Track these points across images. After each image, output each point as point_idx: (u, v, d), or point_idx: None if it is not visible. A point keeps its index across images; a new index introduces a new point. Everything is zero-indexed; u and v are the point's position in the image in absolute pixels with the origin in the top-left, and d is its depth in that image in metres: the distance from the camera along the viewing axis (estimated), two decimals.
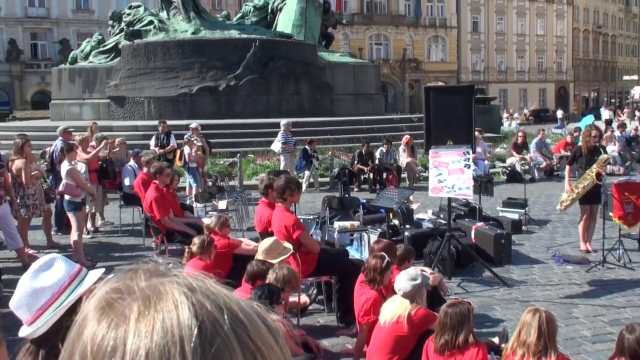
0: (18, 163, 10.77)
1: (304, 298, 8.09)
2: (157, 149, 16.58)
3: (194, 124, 17.35)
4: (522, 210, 12.93)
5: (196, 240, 7.25)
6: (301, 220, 8.54)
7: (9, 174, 10.56)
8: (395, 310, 5.46)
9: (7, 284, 9.03)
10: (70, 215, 10.83)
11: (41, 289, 2.36)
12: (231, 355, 0.74)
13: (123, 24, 28.66)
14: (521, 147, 20.97)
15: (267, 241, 7.04)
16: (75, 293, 2.41)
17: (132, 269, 0.84)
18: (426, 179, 13.44)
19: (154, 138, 17.26)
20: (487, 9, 73.64)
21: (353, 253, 9.58)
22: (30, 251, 10.94)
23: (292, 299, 7.22)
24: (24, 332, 2.38)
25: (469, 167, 9.13)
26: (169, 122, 23.57)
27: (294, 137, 18.68)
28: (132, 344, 0.73)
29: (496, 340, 6.24)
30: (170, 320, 0.74)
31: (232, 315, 0.77)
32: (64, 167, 10.89)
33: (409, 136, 19.76)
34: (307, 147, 18.41)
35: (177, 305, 0.75)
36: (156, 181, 10.16)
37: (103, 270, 2.57)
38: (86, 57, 28.90)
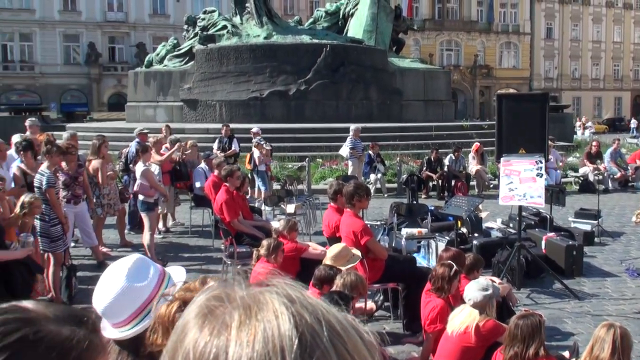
0: (95, 163, 11.12)
1: (370, 304, 8.08)
2: (219, 152, 16.79)
3: (255, 128, 17.56)
4: (595, 222, 12.61)
5: (265, 243, 7.33)
6: (369, 226, 8.54)
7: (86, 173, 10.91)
8: (463, 320, 5.40)
9: (81, 281, 9.34)
10: (143, 215, 11.12)
11: (138, 289, 2.33)
12: None
13: (197, 29, 29.26)
14: (595, 157, 20.45)
15: (336, 247, 7.07)
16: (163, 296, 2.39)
17: (232, 276, 0.87)
18: (496, 187, 13.25)
19: (217, 141, 17.49)
20: (562, 15, 72.07)
21: (420, 260, 9.53)
22: (105, 249, 11.26)
23: (359, 305, 7.22)
24: (112, 334, 2.31)
25: (541, 176, 8.97)
26: (239, 126, 24.03)
27: (362, 142, 18.70)
28: (234, 352, 0.74)
29: (567, 354, 6.10)
30: (272, 330, 0.75)
31: (330, 327, 0.78)
32: (139, 168, 11.19)
33: (479, 143, 19.51)
34: (370, 151, 18.41)
35: (278, 315, 0.77)
36: (227, 184, 10.33)
37: (184, 271, 2.58)
38: (161, 61, 29.60)
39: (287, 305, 0.78)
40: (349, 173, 17.60)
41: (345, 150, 18.35)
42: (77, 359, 1.07)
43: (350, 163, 18.34)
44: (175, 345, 0.80)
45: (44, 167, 9.18)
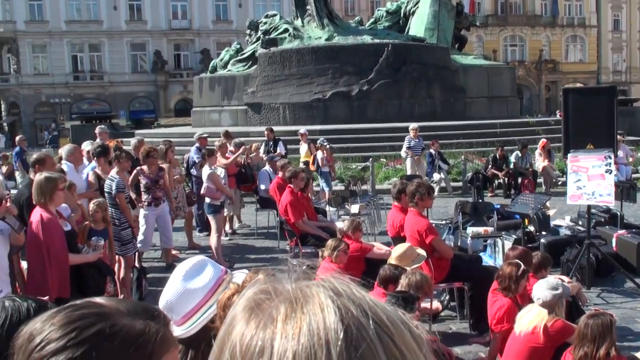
0: (162, 167, 11.38)
1: (436, 304, 8.02)
2: (264, 155, 16.60)
3: (302, 129, 17.56)
4: None
5: (329, 243, 7.37)
6: (434, 225, 8.49)
7: None
8: (531, 320, 5.31)
9: (151, 283, 9.56)
10: (210, 217, 11.32)
11: (193, 291, 2.39)
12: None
13: (260, 33, 29.55)
14: None
15: (402, 247, 7.05)
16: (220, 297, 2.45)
17: (279, 271, 0.88)
18: (564, 184, 12.97)
19: (263, 145, 17.39)
20: (630, 6, 69.85)
21: (486, 259, 9.41)
22: (174, 252, 11.51)
23: (424, 305, 7.18)
24: (174, 332, 2.40)
25: (610, 173, 8.74)
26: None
27: (423, 141, 18.56)
28: (280, 345, 0.75)
29: (639, 355, 5.93)
30: (317, 323, 0.75)
31: (377, 321, 0.77)
32: (205, 171, 11.41)
33: (545, 139, 19.13)
34: (431, 150, 18.26)
35: (324, 308, 0.77)
36: (291, 185, 10.41)
37: (247, 272, 2.62)
38: (225, 66, 30.01)
39: (333, 298, 0.78)
40: (408, 172, 17.50)
41: (402, 149, 18.32)
42: (151, 352, 1.11)
43: (408, 162, 18.24)
44: (223, 338, 0.82)
45: (113, 172, 9.45)
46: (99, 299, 1.19)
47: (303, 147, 17.36)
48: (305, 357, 0.73)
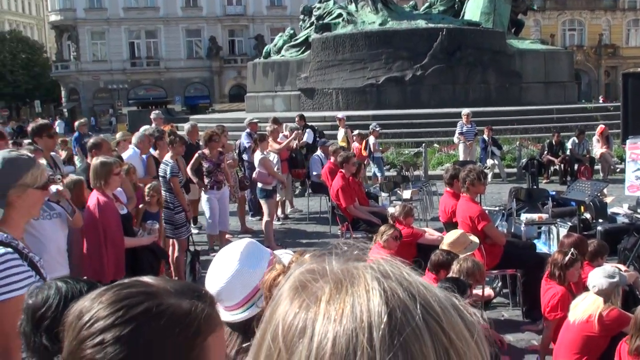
0: (222, 151, 11.52)
1: (488, 291, 7.94)
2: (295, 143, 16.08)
3: (340, 114, 17.42)
4: None
5: (382, 229, 7.36)
6: (486, 211, 8.39)
7: None
8: (586, 308, 5.21)
9: (204, 266, 9.70)
10: (262, 202, 11.42)
11: (250, 275, 2.36)
12: (421, 346, 0.71)
13: (313, 18, 29.55)
14: None
15: (454, 233, 6.98)
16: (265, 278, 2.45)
17: (329, 250, 0.86)
18: (622, 171, 12.65)
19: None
20: None
21: (540, 247, 9.26)
22: (227, 235, 11.63)
23: (476, 291, 7.12)
24: (224, 317, 2.30)
25: None
26: (356, 113, 24.16)
27: (476, 126, 18.34)
28: (321, 326, 0.73)
29: None
30: (360, 305, 0.73)
31: (425, 305, 0.74)
32: (257, 156, 11.49)
33: (603, 126, 18.67)
34: (484, 135, 18.03)
35: (369, 290, 0.74)
36: (343, 170, 10.41)
37: (291, 253, 2.61)
38: (279, 51, 30.12)
39: (379, 280, 0.76)
40: (460, 158, 17.33)
41: (455, 135, 18.15)
42: (196, 331, 1.12)
43: (461, 148, 18.05)
44: (269, 317, 0.81)
45: (167, 157, 9.60)
46: (146, 278, 1.21)
47: (340, 133, 17.23)
48: (345, 340, 0.71)
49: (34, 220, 5.02)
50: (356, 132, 16.36)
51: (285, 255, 2.52)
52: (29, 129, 7.57)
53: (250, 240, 2.58)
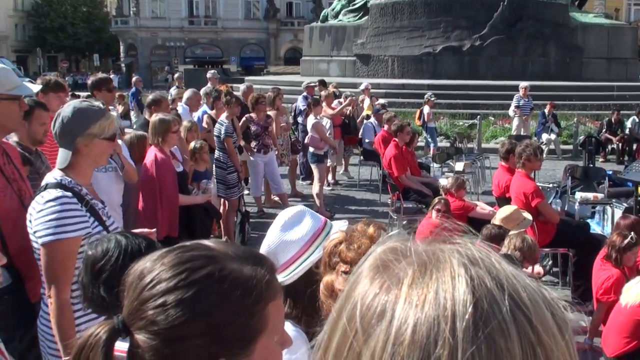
0: (270, 115, 11.55)
1: (538, 268, 7.85)
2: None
3: (364, 84, 16.97)
4: None
5: (434, 201, 7.33)
6: (540, 188, 8.27)
7: None
8: (639, 292, 5.13)
9: (253, 227, 9.82)
10: (313, 166, 11.45)
11: (290, 241, 2.38)
12: (506, 341, 0.67)
13: None
14: None
15: (508, 209, 6.90)
16: (322, 247, 2.42)
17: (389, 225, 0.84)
18: None
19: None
20: None
21: (594, 227, 9.10)
22: (276, 198, 11.72)
23: (525, 270, 7.06)
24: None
25: None
26: (411, 81, 23.94)
27: (533, 101, 17.99)
28: (402, 310, 0.69)
29: None
30: (445, 292, 0.69)
31: (514, 297, 0.70)
32: (310, 120, 11.50)
33: None
34: (545, 110, 17.67)
35: (455, 276, 0.70)
36: (396, 139, 10.36)
37: (347, 222, 2.62)
38: (336, 16, 29.89)
39: (467, 266, 0.71)
40: (513, 132, 17.07)
41: (510, 108, 17.84)
42: (257, 297, 1.13)
43: (515, 122, 17.76)
44: (346, 295, 0.77)
45: (223, 117, 9.68)
46: (207, 242, 1.22)
47: (366, 101, 16.90)
48: (427, 327, 0.67)
49: None
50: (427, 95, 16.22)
51: (342, 224, 2.54)
52: (89, 82, 7.69)
53: (302, 207, 2.61)
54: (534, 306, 0.70)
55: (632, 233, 5.99)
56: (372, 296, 0.73)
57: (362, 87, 16.77)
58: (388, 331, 0.69)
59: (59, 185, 3.14)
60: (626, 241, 5.80)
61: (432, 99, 16.01)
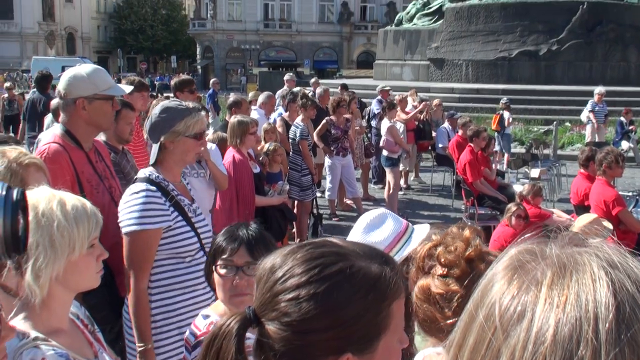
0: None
1: None
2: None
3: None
4: None
5: (510, 207, 7.26)
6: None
7: None
8: None
9: (326, 230, 9.89)
10: (387, 170, 11.46)
11: (373, 243, 2.35)
12: None
13: None
14: None
15: (587, 217, 6.77)
16: (404, 250, 2.44)
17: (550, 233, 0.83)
18: None
19: None
20: None
21: None
22: (348, 201, 11.77)
23: None
24: None
25: None
26: (485, 86, 23.66)
27: (612, 107, 17.51)
28: (542, 311, 0.71)
29: None
30: (586, 294, 0.70)
31: None
32: (384, 124, 11.53)
33: None
34: (622, 118, 17.18)
35: (595, 280, 0.71)
36: (472, 144, 10.28)
37: (428, 226, 2.63)
38: (411, 20, 29.80)
39: (607, 269, 0.73)
40: (587, 139, 16.67)
41: (584, 114, 17.38)
42: (384, 295, 1.18)
43: (588, 128, 17.32)
44: (480, 296, 0.79)
45: (298, 119, 9.79)
46: (335, 239, 1.27)
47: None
48: (569, 328, 0.69)
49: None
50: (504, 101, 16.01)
51: (424, 227, 2.56)
52: (172, 83, 7.92)
53: (384, 210, 2.64)
54: None
55: None
56: (510, 297, 0.75)
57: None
58: (529, 331, 0.71)
59: (147, 179, 3.30)
60: None
61: (508, 103, 15.82)
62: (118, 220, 3.25)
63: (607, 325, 0.68)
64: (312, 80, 14.66)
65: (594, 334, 0.68)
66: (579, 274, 0.73)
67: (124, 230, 3.20)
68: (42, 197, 1.85)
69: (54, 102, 7.39)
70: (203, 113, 3.65)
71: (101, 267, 1.97)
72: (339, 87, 16.00)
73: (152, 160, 3.38)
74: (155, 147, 3.38)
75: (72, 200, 1.90)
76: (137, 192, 3.22)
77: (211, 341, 1.20)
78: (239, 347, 1.17)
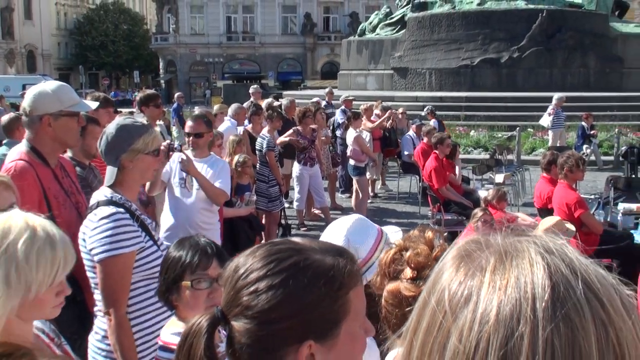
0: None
1: None
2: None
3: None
4: None
5: (475, 212, 7.35)
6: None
7: None
8: None
9: None
10: (354, 179, 11.54)
11: (356, 250, 2.39)
12: (581, 319, 0.75)
13: None
14: None
15: (551, 219, 6.90)
16: (381, 256, 2.41)
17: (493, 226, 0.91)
18: None
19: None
20: None
21: (638, 238, 9.02)
22: (316, 211, 11.81)
23: None
24: None
25: None
26: (449, 94, 23.94)
27: (574, 112, 17.85)
28: (486, 294, 0.78)
29: None
30: (525, 277, 0.77)
31: (586, 282, 0.78)
32: (350, 134, 11.60)
33: None
34: (583, 122, 17.52)
35: (533, 264, 0.78)
36: (437, 151, 10.40)
37: (400, 230, 2.64)
38: (374, 30, 30.04)
39: (543, 255, 0.80)
40: (550, 144, 16.96)
41: (546, 119, 17.67)
42: (340, 284, 1.26)
43: (551, 133, 17.63)
44: (432, 283, 0.86)
45: (264, 131, 9.82)
46: (294, 238, 1.38)
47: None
48: (510, 308, 0.76)
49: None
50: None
51: (395, 232, 2.59)
52: (137, 98, 7.89)
53: (359, 216, 2.66)
54: (604, 289, 0.78)
55: None
56: (457, 283, 0.82)
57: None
58: (475, 312, 0.78)
59: (110, 202, 3.20)
60: None
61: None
62: (87, 248, 3.15)
63: (543, 304, 0.75)
64: (252, 89, 14.57)
65: (532, 312, 0.75)
66: (519, 259, 0.80)
67: (97, 257, 3.09)
68: (14, 227, 1.79)
69: (4, 117, 7.35)
70: (158, 128, 3.64)
71: (60, 301, 1.93)
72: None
73: (110, 181, 3.28)
74: (111, 168, 3.30)
75: (43, 237, 1.82)
76: (106, 217, 3.11)
77: (183, 340, 1.29)
78: (209, 343, 1.24)
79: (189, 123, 5.91)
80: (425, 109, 16.20)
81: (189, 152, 5.73)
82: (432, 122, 15.31)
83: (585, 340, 0.75)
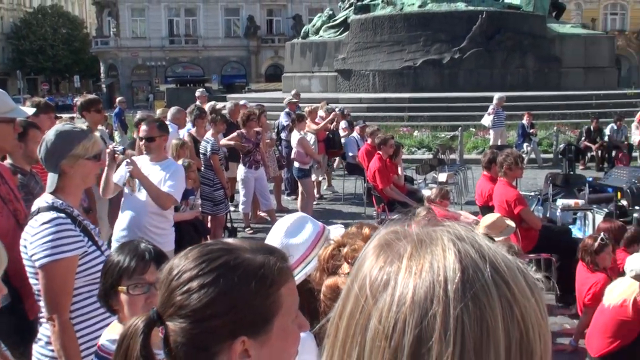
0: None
1: None
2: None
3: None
4: None
5: (418, 210, 7.44)
6: (523, 196, 8.43)
7: None
8: (621, 292, 5.24)
9: None
10: (300, 181, 11.56)
11: (294, 246, 2.46)
12: (488, 299, 0.82)
13: None
14: None
15: (491, 217, 7.03)
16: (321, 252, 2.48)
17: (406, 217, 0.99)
18: None
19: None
20: None
21: (576, 232, 9.28)
22: (262, 214, 11.80)
23: None
24: None
25: None
26: (392, 95, 24.18)
27: (514, 111, 18.23)
28: (403, 279, 0.85)
29: None
30: (438, 262, 0.84)
31: (493, 265, 0.85)
32: (295, 136, 11.62)
33: None
34: (523, 121, 17.94)
35: (445, 250, 0.86)
36: (380, 152, 10.50)
37: (343, 227, 2.70)
38: (317, 32, 30.10)
39: (454, 241, 0.87)
40: (491, 143, 17.31)
41: (487, 119, 18.02)
42: (270, 281, 1.30)
43: (492, 133, 17.99)
44: (356, 271, 0.93)
45: (208, 134, 9.76)
46: (226, 239, 1.42)
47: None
48: (424, 291, 0.83)
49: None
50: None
51: (338, 229, 2.64)
52: (78, 103, 7.77)
53: (301, 214, 2.70)
54: (510, 271, 0.86)
55: (602, 234, 6.18)
56: (378, 269, 0.88)
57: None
58: (393, 295, 0.84)
59: (52, 207, 3.18)
60: (596, 243, 5.99)
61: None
62: (28, 254, 3.12)
63: (454, 285, 0.82)
64: (198, 93, 14.50)
65: (444, 293, 0.82)
66: (433, 246, 0.87)
67: (39, 263, 3.06)
68: None
69: None
70: (98, 134, 3.61)
71: None
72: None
73: (51, 187, 3.26)
74: (52, 175, 3.28)
75: None
76: (47, 222, 3.09)
77: (120, 342, 1.32)
78: (145, 343, 1.27)
79: (142, 127, 5.89)
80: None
81: (145, 156, 5.70)
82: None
83: (492, 317, 0.82)
